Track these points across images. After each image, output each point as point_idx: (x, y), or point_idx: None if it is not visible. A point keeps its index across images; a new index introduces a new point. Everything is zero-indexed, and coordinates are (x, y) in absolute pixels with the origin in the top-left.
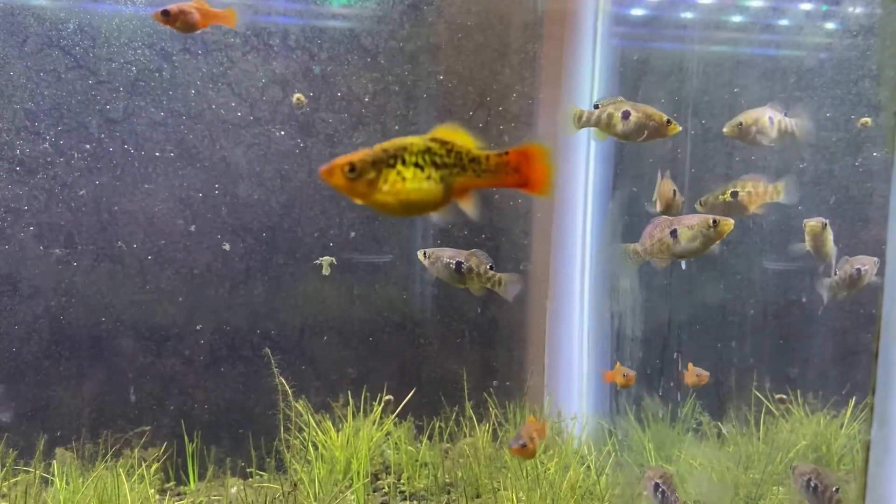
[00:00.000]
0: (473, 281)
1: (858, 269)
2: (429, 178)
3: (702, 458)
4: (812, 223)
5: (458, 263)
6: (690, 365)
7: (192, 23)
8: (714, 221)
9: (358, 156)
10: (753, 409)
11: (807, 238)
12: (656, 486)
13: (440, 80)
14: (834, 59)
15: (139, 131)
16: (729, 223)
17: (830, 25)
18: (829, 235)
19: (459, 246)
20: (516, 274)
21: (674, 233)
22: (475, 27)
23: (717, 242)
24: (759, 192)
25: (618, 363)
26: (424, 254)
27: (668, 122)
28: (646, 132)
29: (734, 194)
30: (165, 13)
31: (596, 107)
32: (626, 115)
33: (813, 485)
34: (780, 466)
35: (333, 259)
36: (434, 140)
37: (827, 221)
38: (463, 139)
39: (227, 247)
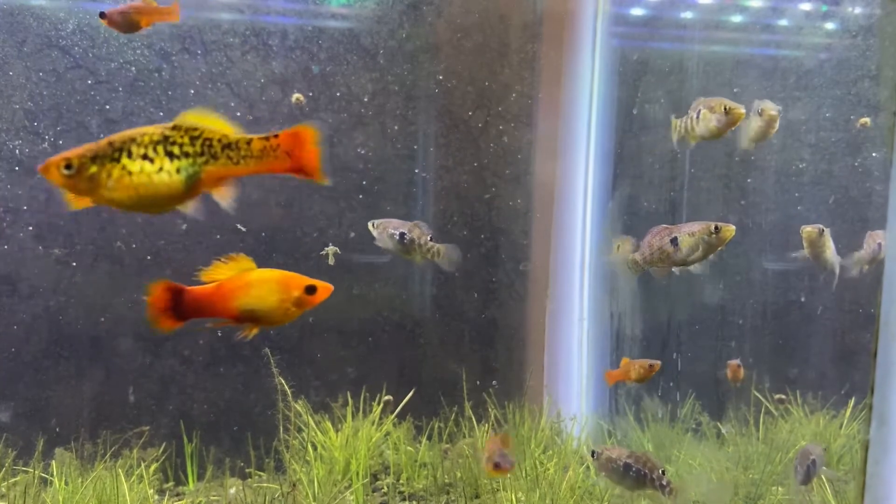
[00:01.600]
0: (416, 252)
1: (880, 244)
2: (160, 170)
3: (701, 458)
4: (808, 230)
5: (402, 234)
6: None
7: (133, 22)
8: (716, 228)
9: (76, 151)
10: (753, 409)
11: (804, 245)
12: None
13: (439, 79)
14: (833, 59)
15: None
16: (731, 229)
17: (830, 25)
18: (828, 242)
19: (460, 246)
20: (454, 245)
21: (674, 241)
22: (474, 27)
23: (719, 249)
24: None
25: (625, 358)
26: (373, 224)
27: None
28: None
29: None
30: (102, 15)
31: None
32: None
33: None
34: (780, 467)
35: (338, 249)
36: (175, 128)
37: (824, 228)
38: (215, 124)
39: (243, 228)
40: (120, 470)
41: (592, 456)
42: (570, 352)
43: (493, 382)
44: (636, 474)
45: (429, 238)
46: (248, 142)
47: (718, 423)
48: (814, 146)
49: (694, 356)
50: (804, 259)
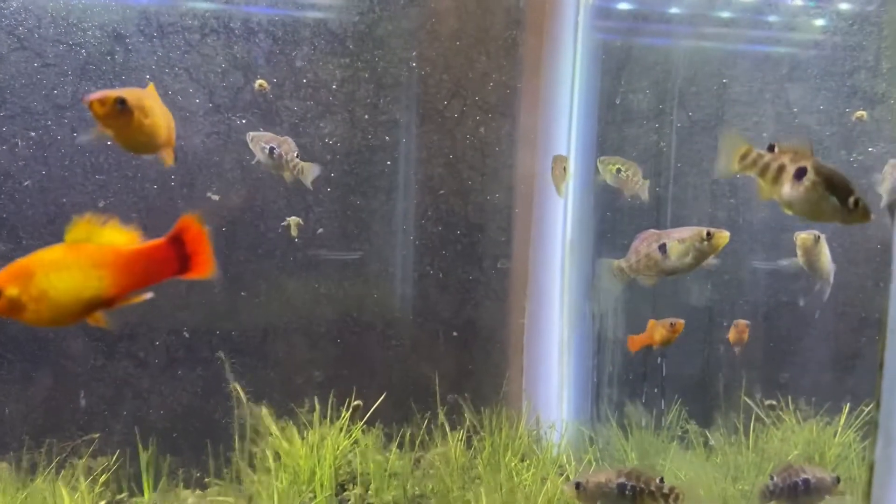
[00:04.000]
0: (285, 168)
1: None
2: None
3: (688, 468)
4: (803, 236)
5: (272, 148)
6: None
7: None
8: (708, 234)
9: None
10: (742, 416)
11: (798, 252)
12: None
13: (413, 66)
14: (828, 48)
15: (89, 118)
16: (724, 235)
17: (821, 21)
18: (824, 249)
19: (434, 243)
20: (318, 164)
21: (662, 247)
22: (451, 11)
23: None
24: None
25: (651, 320)
26: (250, 137)
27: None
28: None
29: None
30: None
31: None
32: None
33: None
34: None
35: (300, 220)
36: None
37: (820, 235)
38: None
39: (215, 197)
40: (61, 483)
41: (577, 488)
42: (549, 354)
43: (452, 396)
44: (633, 492)
45: (295, 154)
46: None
47: (706, 431)
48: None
49: (680, 360)
50: (796, 268)
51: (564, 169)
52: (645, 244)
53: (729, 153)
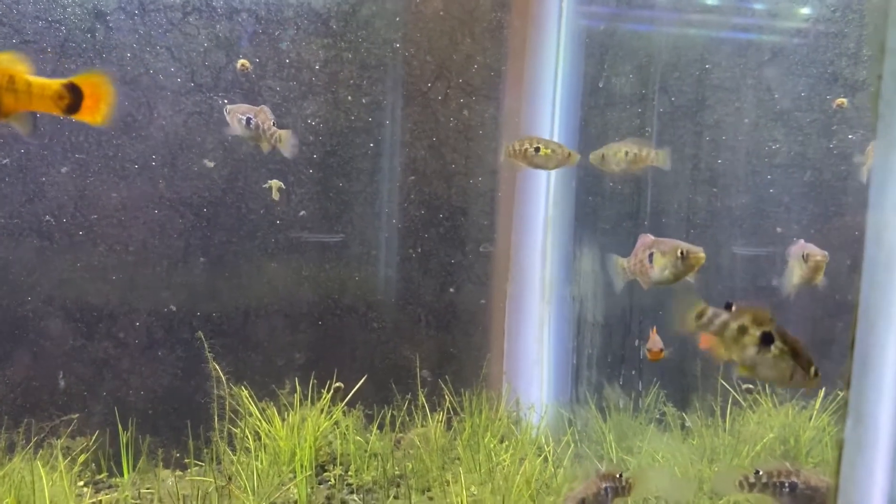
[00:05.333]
0: (263, 138)
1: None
2: None
3: (664, 450)
4: (818, 258)
5: (248, 119)
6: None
7: None
8: (682, 253)
9: None
10: (719, 399)
11: (804, 271)
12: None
13: (396, 48)
14: (811, 36)
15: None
16: (699, 256)
17: (806, 10)
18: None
19: (417, 226)
20: (293, 132)
21: (650, 256)
22: None
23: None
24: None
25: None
26: (227, 110)
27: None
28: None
29: (537, 150)
30: None
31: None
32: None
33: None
34: (747, 460)
35: (282, 184)
36: None
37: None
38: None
39: (210, 164)
40: (39, 462)
41: None
42: (530, 337)
43: (425, 372)
44: (609, 492)
45: (272, 123)
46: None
47: (683, 414)
48: (788, 126)
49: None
50: (793, 289)
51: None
52: (642, 249)
53: (684, 313)
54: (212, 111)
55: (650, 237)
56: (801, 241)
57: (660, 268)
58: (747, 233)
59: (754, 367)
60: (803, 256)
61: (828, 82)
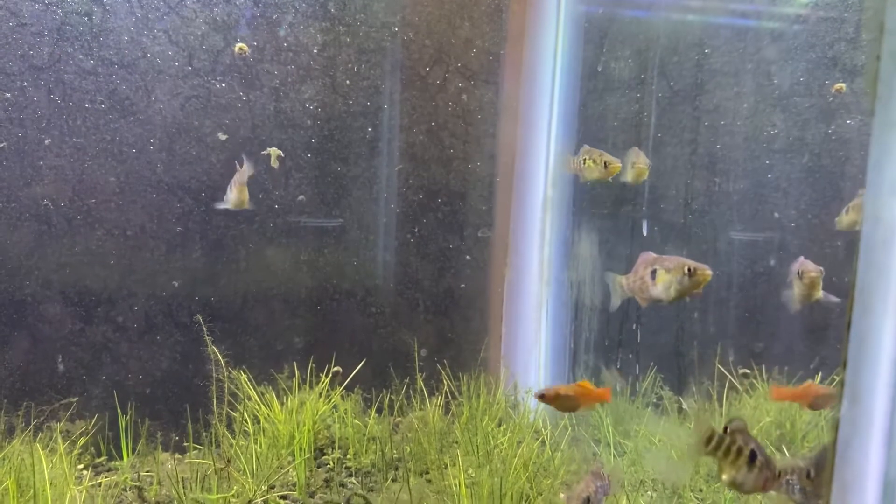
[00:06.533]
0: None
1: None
2: None
3: (661, 434)
4: (812, 274)
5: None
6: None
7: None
8: (689, 270)
9: None
10: (716, 383)
11: (801, 287)
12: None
13: (395, 31)
14: (810, 21)
15: (67, 80)
16: (706, 274)
17: None
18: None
19: (415, 211)
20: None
21: (653, 273)
22: None
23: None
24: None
25: (809, 381)
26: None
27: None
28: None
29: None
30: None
31: None
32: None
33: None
34: None
35: (281, 152)
36: None
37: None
38: None
39: (223, 136)
40: (38, 445)
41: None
42: (528, 322)
43: (423, 351)
44: (601, 490)
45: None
46: None
47: (680, 398)
48: (786, 112)
49: (655, 328)
50: (795, 306)
51: (606, 164)
52: (643, 266)
53: (700, 439)
54: (209, 95)
55: (651, 254)
56: (801, 258)
57: (664, 285)
58: (745, 218)
59: (743, 483)
60: (798, 273)
61: (827, 67)
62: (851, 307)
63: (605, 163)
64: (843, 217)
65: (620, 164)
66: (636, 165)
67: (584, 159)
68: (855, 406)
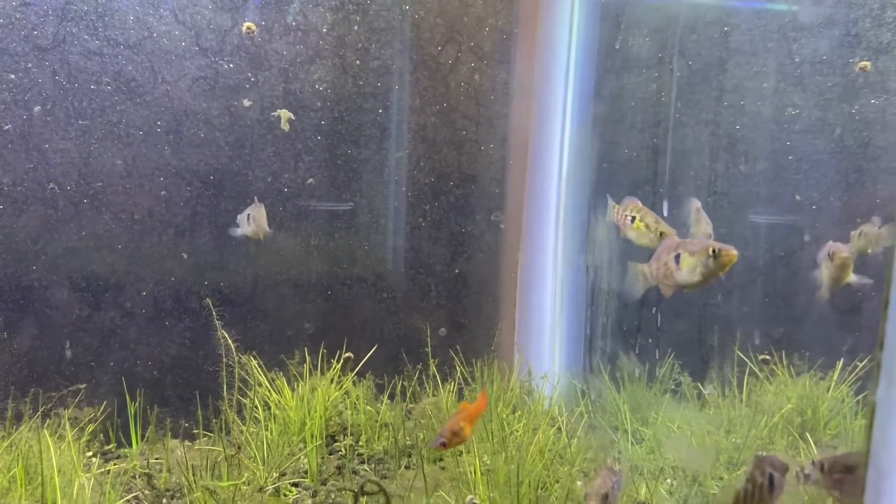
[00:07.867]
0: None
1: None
2: None
3: (681, 420)
4: (844, 254)
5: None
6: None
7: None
8: (713, 251)
9: None
10: (736, 369)
11: (832, 270)
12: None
13: (406, 10)
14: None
15: (72, 61)
16: (731, 254)
17: None
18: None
19: (427, 194)
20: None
21: (677, 258)
22: None
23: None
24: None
25: None
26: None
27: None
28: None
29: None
30: None
31: None
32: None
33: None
34: (764, 431)
35: (291, 115)
36: None
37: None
38: None
39: (247, 102)
40: (46, 432)
41: (605, 500)
42: (542, 307)
43: (443, 330)
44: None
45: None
46: None
47: (700, 385)
48: (808, 91)
49: (675, 313)
50: (823, 294)
51: (647, 226)
52: (665, 252)
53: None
54: (217, 76)
55: (674, 240)
56: (830, 241)
57: (688, 268)
58: (765, 200)
59: None
60: (829, 255)
61: (850, 45)
62: (889, 286)
63: (660, 233)
64: (856, 241)
65: (676, 234)
66: (837, 256)
67: (633, 217)
68: (893, 388)
